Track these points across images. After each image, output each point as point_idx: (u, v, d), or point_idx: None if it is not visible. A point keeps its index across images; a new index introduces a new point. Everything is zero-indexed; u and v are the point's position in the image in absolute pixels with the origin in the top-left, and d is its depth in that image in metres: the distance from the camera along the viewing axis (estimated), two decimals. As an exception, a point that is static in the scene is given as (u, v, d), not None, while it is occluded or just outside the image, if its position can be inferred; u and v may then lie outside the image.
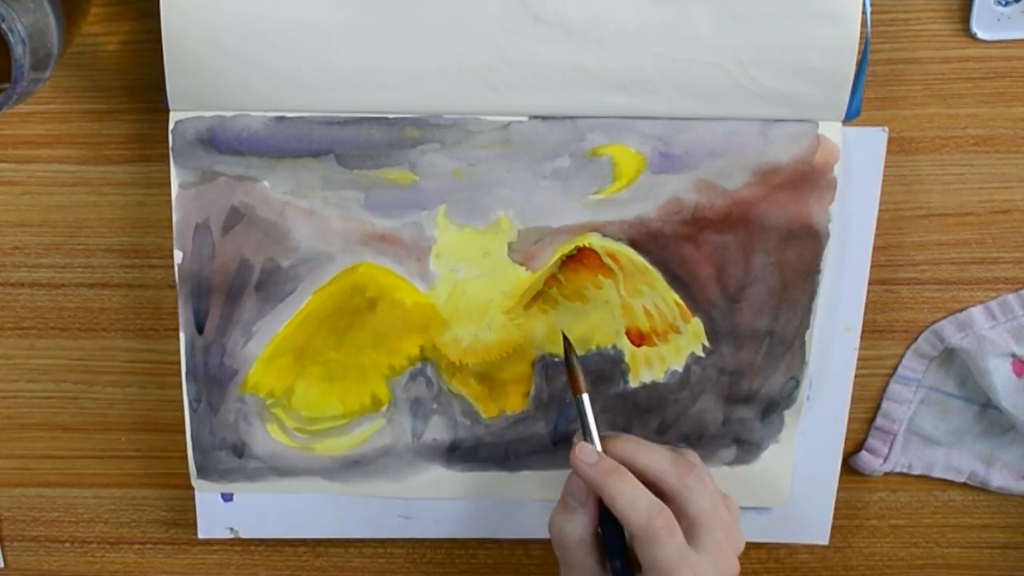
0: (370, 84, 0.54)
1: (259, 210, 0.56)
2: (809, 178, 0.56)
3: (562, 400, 0.60)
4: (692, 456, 0.55)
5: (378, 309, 0.58)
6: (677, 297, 0.58)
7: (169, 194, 0.56)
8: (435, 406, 0.60)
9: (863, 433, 0.63)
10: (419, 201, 0.56)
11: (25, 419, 0.63)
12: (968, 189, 0.59)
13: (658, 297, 0.58)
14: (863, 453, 0.63)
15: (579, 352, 0.58)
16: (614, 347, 0.59)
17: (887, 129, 0.57)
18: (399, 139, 0.55)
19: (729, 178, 0.56)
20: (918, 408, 0.63)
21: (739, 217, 0.56)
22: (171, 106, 0.54)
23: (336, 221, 0.56)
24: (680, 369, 0.59)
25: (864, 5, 0.53)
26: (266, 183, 0.56)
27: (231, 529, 0.64)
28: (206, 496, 0.63)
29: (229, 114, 0.55)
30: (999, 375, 0.60)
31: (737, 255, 0.57)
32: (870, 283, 0.60)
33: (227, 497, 0.63)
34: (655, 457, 0.54)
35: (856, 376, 0.61)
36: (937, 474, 0.64)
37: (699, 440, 0.61)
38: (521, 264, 0.57)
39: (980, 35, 0.56)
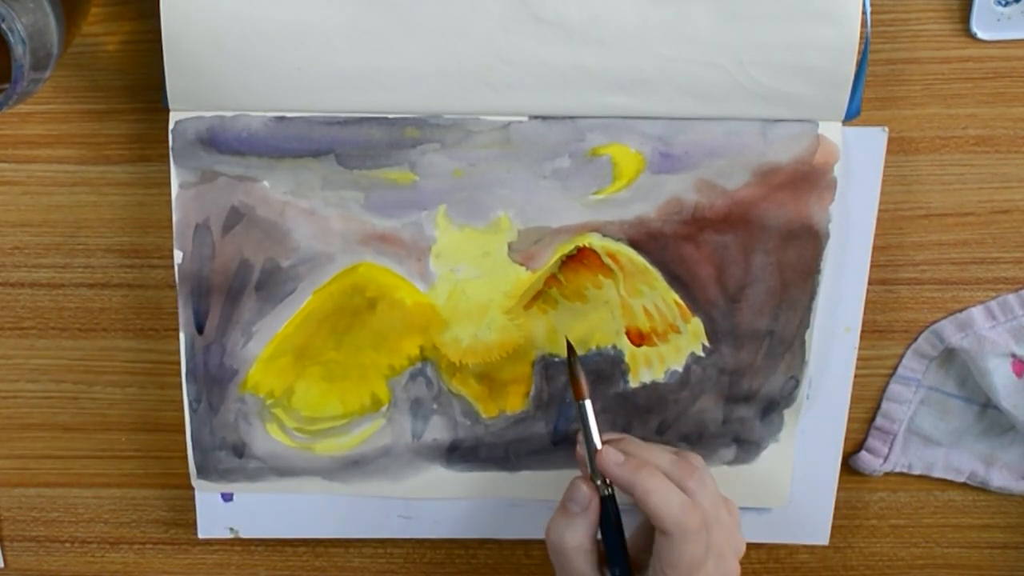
0: (370, 84, 0.54)
1: (259, 210, 0.56)
2: (809, 178, 0.56)
3: (562, 400, 0.60)
4: (694, 459, 0.55)
5: (378, 309, 0.58)
6: (677, 297, 0.58)
7: (169, 194, 0.56)
8: (435, 406, 0.60)
9: (863, 433, 0.63)
10: (419, 201, 0.56)
11: (25, 419, 0.63)
12: (968, 189, 0.59)
13: (658, 297, 0.58)
14: (863, 453, 0.63)
15: (579, 352, 0.58)
16: (614, 347, 0.59)
17: (887, 129, 0.57)
18: (399, 139, 0.55)
19: (729, 178, 0.56)
20: (918, 408, 0.63)
21: (739, 217, 0.56)
22: (171, 106, 0.54)
23: (336, 221, 0.56)
24: (680, 369, 0.59)
25: (864, 5, 0.53)
26: (266, 183, 0.56)
27: (231, 529, 0.64)
28: (206, 496, 0.63)
29: (229, 114, 0.55)
30: (999, 375, 0.60)
31: (737, 255, 0.57)
32: (870, 283, 0.60)
33: (227, 497, 0.63)
34: (658, 459, 0.54)
35: (856, 376, 0.61)
36: (937, 474, 0.64)
37: (699, 440, 0.61)
38: (521, 264, 0.57)
39: (980, 35, 0.56)
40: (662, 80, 0.54)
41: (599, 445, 0.55)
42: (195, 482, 0.61)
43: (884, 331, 0.61)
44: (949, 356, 0.62)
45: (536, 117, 0.55)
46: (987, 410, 0.63)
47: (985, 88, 0.57)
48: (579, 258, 0.57)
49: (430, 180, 0.56)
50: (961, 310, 0.61)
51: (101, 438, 0.63)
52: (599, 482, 0.54)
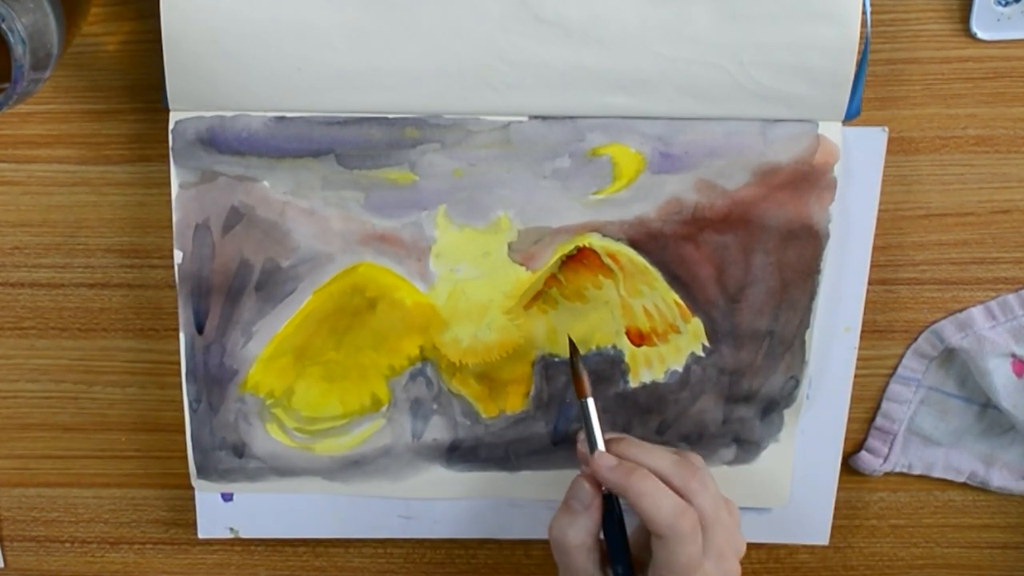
0: (370, 84, 0.54)
1: (259, 210, 0.56)
2: (809, 178, 0.56)
3: (562, 400, 0.60)
4: (695, 459, 0.55)
5: (378, 309, 0.58)
6: (677, 297, 0.58)
7: (169, 194, 0.56)
8: (435, 406, 0.60)
9: (863, 433, 0.63)
10: (419, 201, 0.56)
11: (25, 419, 0.63)
12: (968, 189, 0.59)
13: (658, 297, 0.58)
14: (863, 453, 0.63)
15: (579, 352, 0.58)
16: (614, 347, 0.59)
17: (887, 129, 0.57)
18: (399, 139, 0.55)
19: (729, 178, 0.56)
20: (918, 408, 0.63)
21: (739, 217, 0.56)
22: (171, 106, 0.54)
23: (336, 221, 0.56)
24: (680, 369, 0.59)
25: (864, 5, 0.53)
26: (266, 183, 0.56)
27: (231, 529, 0.64)
28: (206, 496, 0.63)
29: (229, 114, 0.55)
30: (999, 375, 0.60)
31: (737, 255, 0.57)
32: (870, 283, 0.60)
33: (227, 497, 0.63)
34: (659, 460, 0.54)
35: (856, 376, 0.61)
36: (937, 474, 0.64)
37: (699, 440, 0.61)
38: (521, 264, 0.57)
39: (980, 35, 0.56)
40: (662, 80, 0.54)
41: (600, 444, 0.55)
42: (195, 482, 0.61)
43: (884, 331, 0.61)
44: (949, 356, 0.62)
45: (536, 117, 0.55)
46: (987, 410, 0.63)
47: (985, 88, 0.57)
48: (579, 258, 0.57)
49: (430, 180, 0.56)
50: (961, 310, 0.61)
51: (101, 438, 0.63)
52: None
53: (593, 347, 0.59)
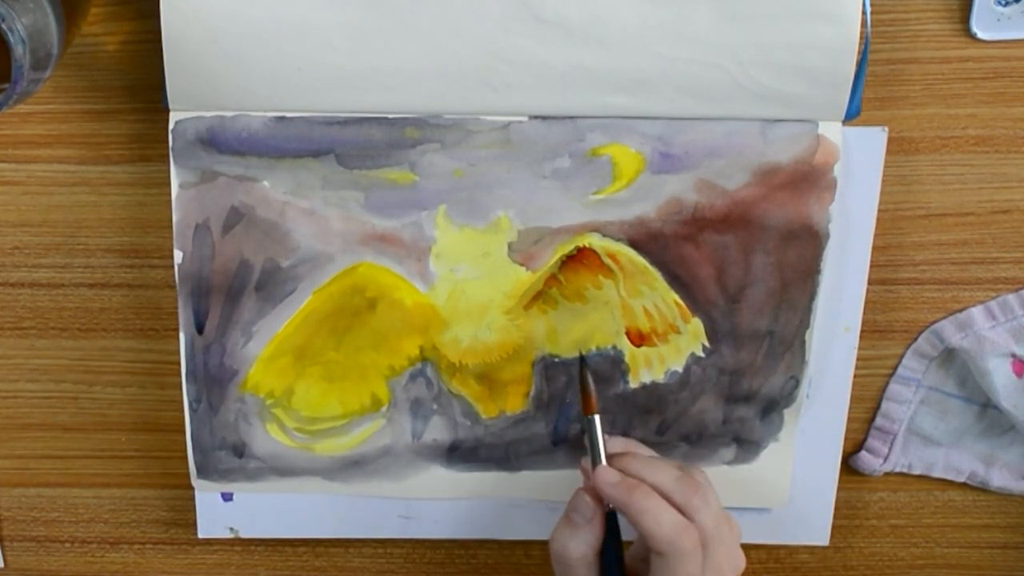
0: (370, 84, 0.54)
1: (259, 210, 0.56)
2: (809, 178, 0.56)
3: (562, 400, 0.60)
4: (699, 475, 0.55)
5: (378, 309, 0.58)
6: (677, 297, 0.58)
7: (169, 194, 0.56)
8: (435, 406, 0.60)
9: (863, 433, 0.63)
10: (419, 201, 0.56)
11: (25, 419, 0.63)
12: (968, 189, 0.59)
13: (658, 297, 0.58)
14: (863, 453, 0.63)
15: (580, 353, 0.59)
16: (614, 347, 0.59)
17: (887, 129, 0.57)
18: (399, 139, 0.55)
19: (729, 178, 0.56)
20: (918, 408, 0.63)
21: (739, 217, 0.56)
22: (171, 106, 0.54)
23: (336, 221, 0.56)
24: (680, 369, 0.59)
25: (864, 5, 0.53)
26: (266, 183, 0.56)
27: (231, 529, 0.64)
28: (206, 496, 0.63)
29: (229, 114, 0.55)
30: (999, 375, 0.60)
31: (737, 255, 0.57)
32: (870, 283, 0.60)
33: (227, 497, 0.63)
34: (661, 475, 0.54)
35: (856, 376, 0.61)
36: (937, 474, 0.64)
37: (699, 440, 0.61)
38: (521, 264, 0.57)
39: (980, 35, 0.56)
40: (662, 80, 0.54)
41: (603, 459, 0.55)
42: (195, 482, 0.61)
43: (884, 331, 0.61)
44: (949, 356, 0.62)
45: (536, 117, 0.55)
46: (987, 410, 0.63)
47: (985, 88, 0.57)
48: (579, 258, 0.57)
49: (430, 180, 0.56)
50: (961, 310, 0.61)
51: (101, 438, 0.63)
52: None
53: (593, 347, 0.59)
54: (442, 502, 0.63)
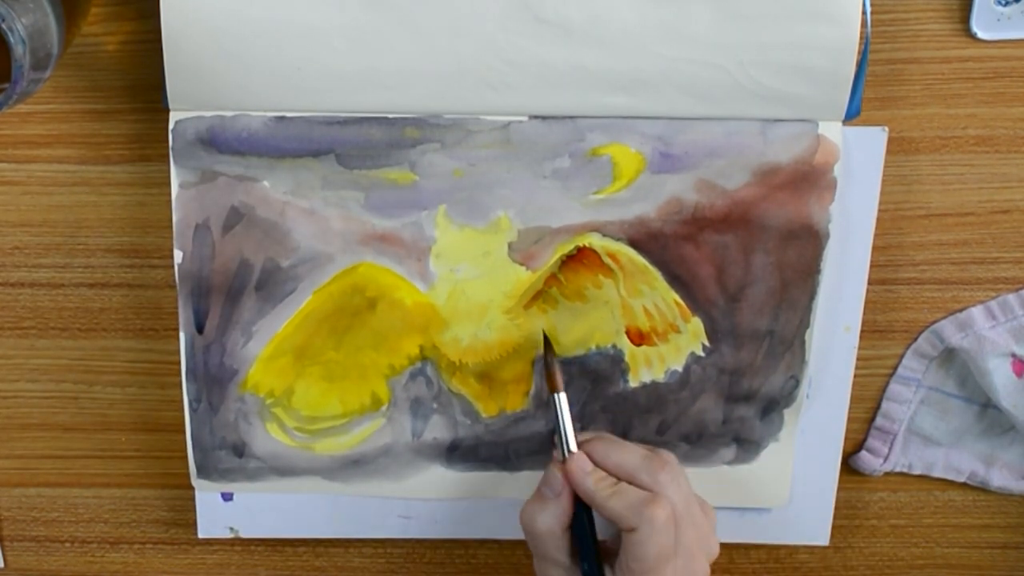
0: (370, 84, 0.54)
1: (259, 210, 0.56)
2: (809, 178, 0.56)
3: (562, 399, 0.60)
4: (667, 455, 0.55)
5: (378, 309, 0.58)
6: (677, 297, 0.58)
7: (169, 194, 0.56)
8: (435, 405, 0.60)
9: (863, 433, 0.63)
10: (419, 201, 0.56)
11: (25, 419, 0.63)
12: (968, 189, 0.59)
13: (658, 297, 0.58)
14: (863, 453, 0.63)
15: (579, 352, 0.59)
16: (614, 347, 0.59)
17: (887, 129, 0.57)
18: (399, 139, 0.55)
19: (729, 178, 0.56)
20: (918, 408, 0.63)
21: (739, 217, 0.56)
22: (171, 106, 0.54)
23: (336, 221, 0.56)
24: (680, 369, 0.59)
25: (864, 5, 0.53)
26: (266, 183, 0.56)
27: (231, 529, 0.64)
28: (206, 496, 0.63)
29: (229, 114, 0.55)
30: (999, 375, 0.60)
31: (737, 255, 0.57)
32: (870, 283, 0.60)
33: (227, 497, 0.63)
34: (627, 455, 0.54)
35: (856, 376, 0.61)
36: (937, 474, 0.64)
37: (699, 440, 0.61)
38: (521, 264, 0.57)
39: (980, 35, 0.56)
40: (662, 80, 0.54)
41: (572, 438, 0.55)
42: (195, 482, 0.61)
43: (884, 331, 0.61)
44: (949, 356, 0.62)
45: (536, 117, 0.55)
46: (987, 410, 0.63)
47: (985, 88, 0.57)
48: (579, 258, 0.57)
49: (430, 180, 0.56)
50: (961, 310, 0.61)
51: (101, 438, 0.63)
52: None
53: (593, 346, 0.59)
54: (442, 502, 0.63)
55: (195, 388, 0.59)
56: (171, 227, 0.56)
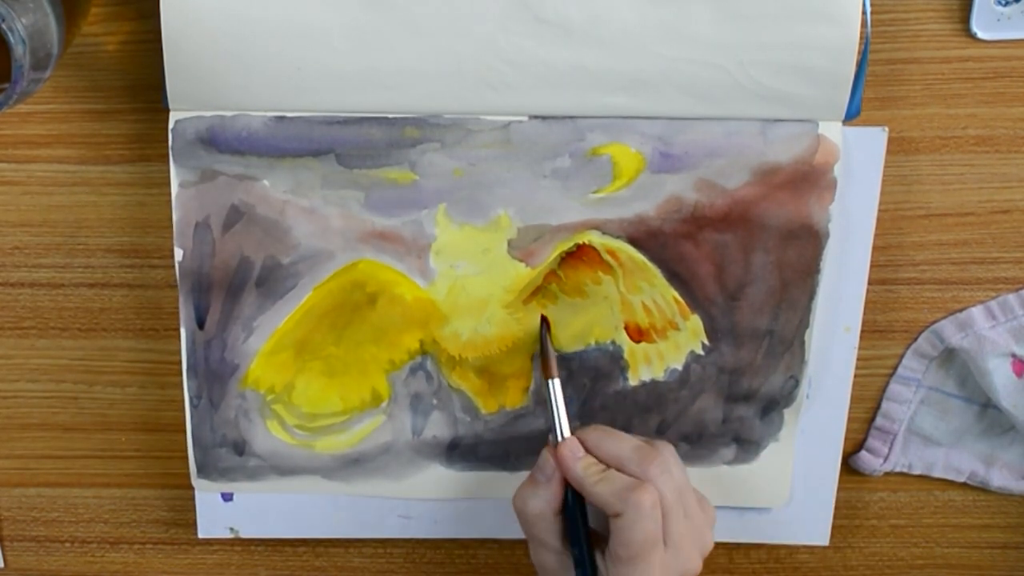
0: (370, 84, 0.54)
1: (259, 208, 0.56)
2: (809, 178, 0.56)
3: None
4: (662, 447, 0.55)
5: (378, 304, 0.58)
6: (676, 294, 0.58)
7: (169, 194, 0.56)
8: (435, 401, 0.60)
9: (863, 433, 0.63)
10: (419, 200, 0.56)
11: (25, 419, 0.63)
12: (968, 189, 0.59)
13: (657, 294, 0.58)
14: (863, 453, 0.63)
15: (579, 347, 0.59)
16: (613, 343, 0.59)
17: (887, 129, 0.57)
18: (399, 139, 0.55)
19: (729, 178, 0.56)
20: (918, 408, 0.63)
21: (739, 216, 0.56)
22: (171, 106, 0.55)
23: (336, 219, 0.57)
24: (680, 367, 0.59)
25: (864, 5, 0.53)
26: (266, 182, 0.56)
27: (231, 529, 0.64)
28: (206, 496, 0.63)
29: (229, 114, 0.55)
30: (999, 375, 0.60)
31: (737, 254, 0.57)
32: (870, 283, 0.60)
33: (227, 497, 0.63)
34: (620, 445, 0.54)
35: (856, 376, 0.61)
36: (937, 474, 0.64)
37: (699, 439, 0.61)
38: (521, 261, 0.57)
39: (980, 35, 0.56)
40: (662, 80, 0.54)
41: (565, 424, 0.55)
42: (195, 481, 0.61)
43: (884, 331, 0.61)
44: (949, 356, 0.62)
45: (536, 117, 0.55)
46: (987, 410, 0.63)
47: (985, 88, 0.57)
48: (579, 255, 0.57)
49: (430, 179, 0.56)
50: (961, 310, 0.61)
51: (101, 438, 0.63)
52: None
53: (592, 342, 0.59)
54: (442, 502, 0.63)
55: (196, 384, 0.59)
56: (171, 227, 0.56)
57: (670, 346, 0.59)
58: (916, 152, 0.58)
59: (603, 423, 0.59)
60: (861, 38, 0.53)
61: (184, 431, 0.60)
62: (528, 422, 0.60)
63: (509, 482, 0.62)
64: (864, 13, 0.53)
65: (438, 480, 0.61)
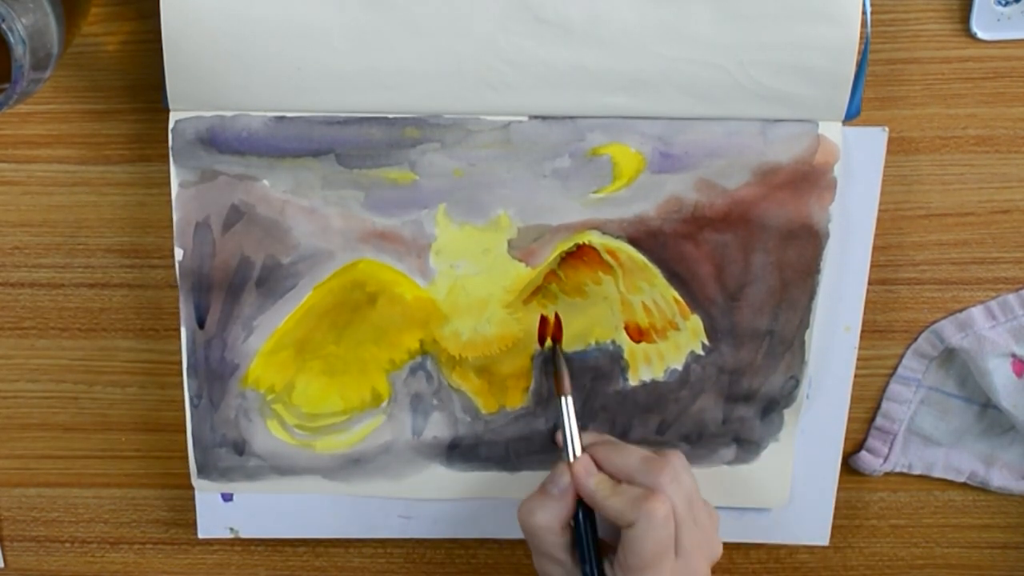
0: (370, 84, 0.54)
1: (259, 208, 0.56)
2: (809, 178, 0.56)
3: (562, 397, 0.60)
4: (673, 456, 0.55)
5: (378, 304, 0.58)
6: (676, 294, 0.58)
7: (169, 194, 0.56)
8: (435, 402, 0.60)
9: (863, 433, 0.63)
10: (419, 200, 0.56)
11: (25, 419, 0.63)
12: (968, 189, 0.59)
13: (657, 294, 0.58)
14: (863, 453, 0.63)
15: (579, 347, 0.59)
16: (613, 343, 0.59)
17: (887, 129, 0.57)
18: (399, 139, 0.55)
19: (729, 178, 0.56)
20: (918, 408, 0.63)
21: (739, 216, 0.56)
22: (171, 106, 0.55)
23: (336, 219, 0.57)
24: (680, 367, 0.59)
25: (864, 5, 0.53)
26: (266, 182, 0.56)
27: (231, 529, 0.64)
28: (206, 496, 0.63)
29: (229, 114, 0.55)
30: (999, 375, 0.60)
31: (737, 254, 0.57)
32: (870, 283, 0.60)
33: (227, 497, 0.63)
34: (628, 458, 0.54)
35: (856, 376, 0.61)
36: (937, 474, 0.64)
37: (699, 439, 0.61)
38: (521, 260, 0.57)
39: (980, 35, 0.56)
40: (662, 80, 0.54)
41: (578, 439, 0.55)
42: (195, 481, 0.61)
43: (884, 331, 0.61)
44: (949, 356, 0.62)
45: (536, 117, 0.55)
46: (987, 410, 0.63)
47: (985, 88, 0.57)
48: (579, 255, 0.57)
49: (430, 179, 0.56)
50: (961, 310, 0.61)
51: (101, 438, 0.63)
52: None
53: (592, 342, 0.59)
54: (442, 502, 0.63)
55: (196, 384, 0.59)
56: (171, 227, 0.56)
57: (670, 346, 0.59)
58: (916, 152, 0.58)
59: (603, 423, 0.59)
60: (861, 38, 0.53)
61: (184, 431, 0.60)
62: (528, 422, 0.60)
63: (509, 482, 0.62)
64: (864, 13, 0.53)
65: (438, 480, 0.61)
